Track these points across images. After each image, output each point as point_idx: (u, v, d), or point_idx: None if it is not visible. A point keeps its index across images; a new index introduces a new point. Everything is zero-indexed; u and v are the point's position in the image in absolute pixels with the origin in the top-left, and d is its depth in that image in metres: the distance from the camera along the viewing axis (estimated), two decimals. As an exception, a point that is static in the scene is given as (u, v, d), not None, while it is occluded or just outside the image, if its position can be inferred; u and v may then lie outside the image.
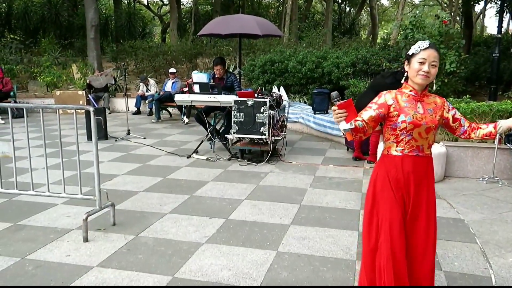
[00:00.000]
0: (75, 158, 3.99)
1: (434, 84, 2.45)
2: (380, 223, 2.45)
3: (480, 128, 2.45)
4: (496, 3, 13.77)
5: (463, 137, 2.50)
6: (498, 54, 9.84)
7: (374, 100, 2.46)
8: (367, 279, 2.59)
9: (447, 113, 2.47)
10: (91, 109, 3.80)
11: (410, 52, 2.39)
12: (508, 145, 5.65)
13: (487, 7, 18.58)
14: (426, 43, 2.35)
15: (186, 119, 10.56)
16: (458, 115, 2.49)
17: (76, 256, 3.41)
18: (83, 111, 9.70)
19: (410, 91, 2.42)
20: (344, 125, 2.20)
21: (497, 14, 11.69)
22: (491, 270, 3.24)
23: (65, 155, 6.05)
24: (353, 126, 2.22)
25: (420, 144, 2.40)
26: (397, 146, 2.43)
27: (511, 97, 9.12)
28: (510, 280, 3.09)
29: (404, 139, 2.40)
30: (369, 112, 2.39)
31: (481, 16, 26.71)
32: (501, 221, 4.27)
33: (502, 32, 11.36)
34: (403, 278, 2.41)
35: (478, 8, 20.13)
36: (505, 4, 12.13)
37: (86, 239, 3.68)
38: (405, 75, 2.44)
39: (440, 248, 3.60)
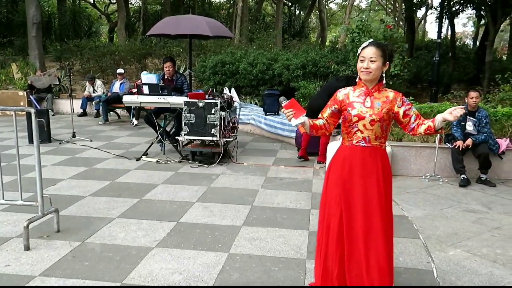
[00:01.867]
0: (15, 162, 3.78)
1: (384, 78, 2.59)
2: (327, 208, 2.67)
3: (423, 123, 2.52)
4: (436, 10, 14.51)
5: (411, 133, 2.59)
6: (438, 58, 10.36)
7: (331, 98, 2.72)
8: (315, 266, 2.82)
9: (398, 108, 2.55)
10: (32, 110, 3.62)
11: (357, 54, 2.61)
12: (448, 144, 5.95)
13: (428, 13, 19.53)
14: (366, 43, 2.57)
15: (135, 121, 10.32)
16: (411, 112, 2.55)
17: (17, 266, 3.23)
18: (23, 113, 9.23)
19: (362, 87, 2.63)
20: (294, 121, 2.57)
21: (437, 20, 12.30)
22: (433, 264, 3.40)
23: (5, 159, 5.73)
24: (303, 121, 2.57)
25: (366, 135, 2.57)
26: (348, 137, 2.65)
27: (450, 99, 9.64)
28: (450, 272, 3.25)
29: (352, 130, 2.61)
30: (327, 110, 2.70)
31: (422, 21, 28.01)
32: (442, 216, 4.49)
33: (442, 37, 11.97)
34: (331, 269, 2.58)
35: (420, 13, 21.13)
36: (444, 11, 12.80)
37: (27, 248, 3.50)
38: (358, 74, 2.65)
39: (386, 244, 3.73)
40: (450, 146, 5.86)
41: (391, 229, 2.65)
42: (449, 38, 16.04)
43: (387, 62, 2.56)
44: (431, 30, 56.58)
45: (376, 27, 8.87)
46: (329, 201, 2.65)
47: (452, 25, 14.69)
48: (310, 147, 6.83)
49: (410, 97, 7.27)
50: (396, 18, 18.94)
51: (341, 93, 2.66)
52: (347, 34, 10.29)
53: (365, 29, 8.52)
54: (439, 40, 10.84)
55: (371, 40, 2.61)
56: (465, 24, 43.59)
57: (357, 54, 2.60)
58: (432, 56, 11.40)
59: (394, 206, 4.78)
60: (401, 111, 2.55)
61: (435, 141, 6.02)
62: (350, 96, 2.62)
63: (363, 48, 2.53)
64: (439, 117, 2.44)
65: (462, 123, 5.86)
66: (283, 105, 2.57)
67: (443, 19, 13.10)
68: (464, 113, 2.38)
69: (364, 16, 9.03)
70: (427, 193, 5.34)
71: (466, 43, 21.11)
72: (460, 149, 5.67)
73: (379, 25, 8.93)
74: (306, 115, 2.63)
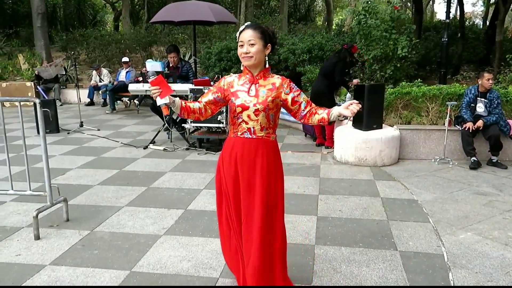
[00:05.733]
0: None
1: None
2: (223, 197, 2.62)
3: (317, 113, 2.38)
4: (444, -11, 14.19)
5: (302, 121, 2.44)
6: (447, 39, 10.15)
7: (215, 84, 2.54)
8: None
9: (286, 95, 2.39)
10: (37, 101, 3.62)
11: (236, 40, 2.42)
12: (457, 126, 5.87)
13: (436, -7, 19.20)
14: (243, 26, 2.38)
15: (137, 102, 10.47)
16: (301, 98, 2.40)
17: (27, 255, 3.26)
18: (31, 103, 9.26)
19: (247, 74, 2.44)
20: (159, 101, 2.37)
21: (446, 0, 12.05)
22: (443, 247, 3.36)
23: (14, 150, 5.77)
24: (168, 101, 2.38)
25: (251, 126, 2.41)
26: (233, 128, 2.49)
27: (460, 80, 9.49)
28: (460, 256, 3.22)
29: (237, 121, 2.44)
30: (208, 95, 2.51)
31: (430, 2, 27.51)
32: (451, 200, 4.44)
33: (450, 18, 11.74)
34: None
35: (427, -6, 20.73)
36: (453, -10, 12.51)
37: (37, 237, 3.52)
38: None
39: (395, 229, 3.70)
40: (460, 128, 5.78)
41: (277, 228, 2.46)
42: (458, 18, 15.73)
43: (269, 45, 2.37)
44: (440, 11, 55.68)
45: (383, 9, 8.71)
46: (224, 191, 2.55)
47: (461, 4, 14.38)
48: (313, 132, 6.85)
49: (419, 80, 7.16)
50: (404, -1, 18.63)
51: (225, 81, 2.48)
52: (353, 16, 10.13)
53: (372, 11, 8.37)
54: (447, 21, 10.60)
55: (248, 23, 2.41)
56: (474, 3, 42.75)
57: (236, 40, 2.40)
58: (440, 37, 11.16)
59: (403, 190, 4.76)
60: (289, 98, 2.39)
61: (444, 124, 5.94)
62: (235, 85, 2.44)
63: (241, 32, 2.34)
64: (335, 111, 2.31)
65: (472, 104, 5.77)
66: (149, 80, 2.37)
67: (452, -1, 12.84)
68: (360, 107, 2.23)
69: (370, -2, 8.85)
70: (436, 176, 5.29)
71: (475, 23, 20.72)
72: (470, 131, 5.59)
73: (386, 6, 8.77)
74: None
